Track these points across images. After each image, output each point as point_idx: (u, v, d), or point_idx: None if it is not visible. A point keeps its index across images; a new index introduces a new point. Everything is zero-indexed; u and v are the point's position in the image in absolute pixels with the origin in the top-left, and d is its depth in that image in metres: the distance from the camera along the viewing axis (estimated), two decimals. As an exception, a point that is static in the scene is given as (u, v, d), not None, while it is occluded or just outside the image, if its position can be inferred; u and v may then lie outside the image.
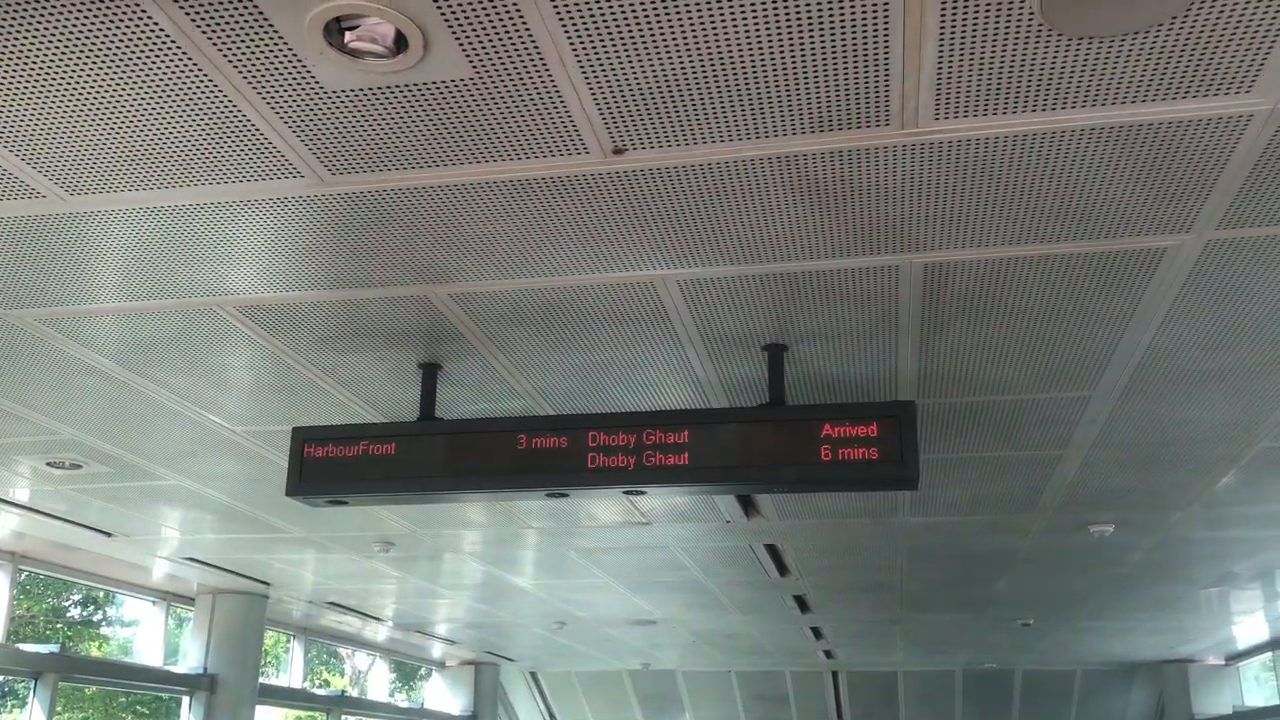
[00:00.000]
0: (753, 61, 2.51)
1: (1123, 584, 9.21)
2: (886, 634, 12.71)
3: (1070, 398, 4.73)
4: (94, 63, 2.54)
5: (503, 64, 2.53)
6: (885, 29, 2.39)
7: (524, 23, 2.38)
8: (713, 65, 2.53)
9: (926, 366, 4.38)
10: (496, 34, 2.42)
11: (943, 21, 2.37)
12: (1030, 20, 2.37)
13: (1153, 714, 16.35)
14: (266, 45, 2.47)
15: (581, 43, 2.45)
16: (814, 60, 2.50)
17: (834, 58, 2.49)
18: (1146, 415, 4.92)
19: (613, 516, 7.11)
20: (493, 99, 2.66)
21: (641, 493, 4.15)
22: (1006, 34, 2.41)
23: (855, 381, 4.52)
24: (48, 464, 5.89)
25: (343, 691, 14.01)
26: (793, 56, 2.49)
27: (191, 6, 2.34)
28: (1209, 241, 3.35)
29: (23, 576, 9.50)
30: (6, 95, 2.68)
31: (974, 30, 2.40)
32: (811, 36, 2.41)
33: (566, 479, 4.04)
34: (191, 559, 8.68)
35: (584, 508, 6.92)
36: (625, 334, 4.12)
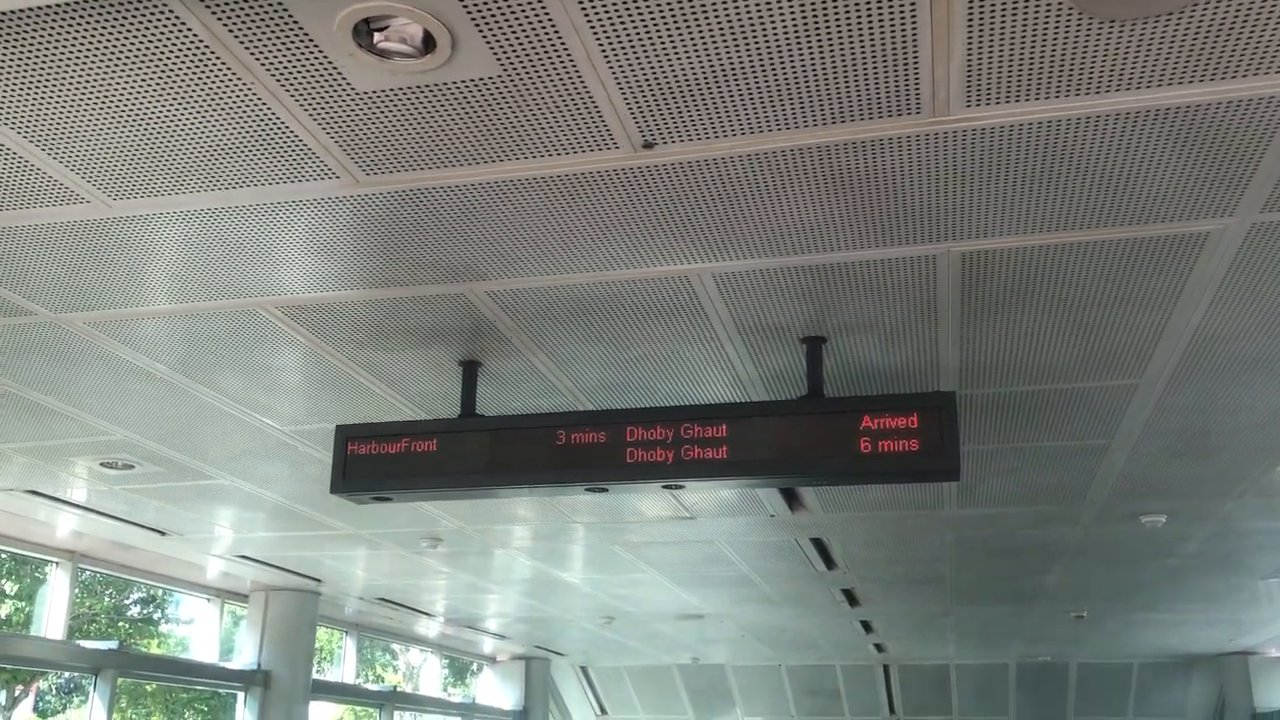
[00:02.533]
0: (780, 52, 2.50)
1: (1177, 575, 9.06)
2: (937, 627, 12.60)
3: (1116, 386, 4.66)
4: (131, 70, 2.59)
5: (530, 61, 2.54)
6: (913, 16, 2.37)
7: (550, 20, 2.39)
8: (740, 57, 2.52)
9: (968, 357, 4.34)
10: (523, 32, 2.43)
11: (971, 7, 2.35)
12: (1060, 5, 2.34)
13: (1213, 707, 16.06)
14: (298, 48, 2.51)
15: (607, 38, 2.45)
16: (842, 49, 2.49)
17: (862, 46, 2.47)
18: (1196, 402, 4.84)
19: (658, 511, 7.12)
20: (521, 96, 2.68)
21: (680, 487, 4.15)
22: (1036, 19, 2.38)
23: (895, 373, 4.49)
24: (101, 464, 6.02)
25: (395, 687, 14.16)
26: (820, 45, 2.47)
27: (224, 13, 2.38)
28: (1254, 225, 3.28)
29: (84, 576, 9.72)
30: (48, 103, 2.74)
31: (1003, 16, 2.37)
32: (839, 25, 2.40)
33: (605, 474, 4.06)
34: (244, 557, 8.83)
35: (629, 503, 6.94)
36: (662, 329, 4.13)
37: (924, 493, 6.61)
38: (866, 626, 12.52)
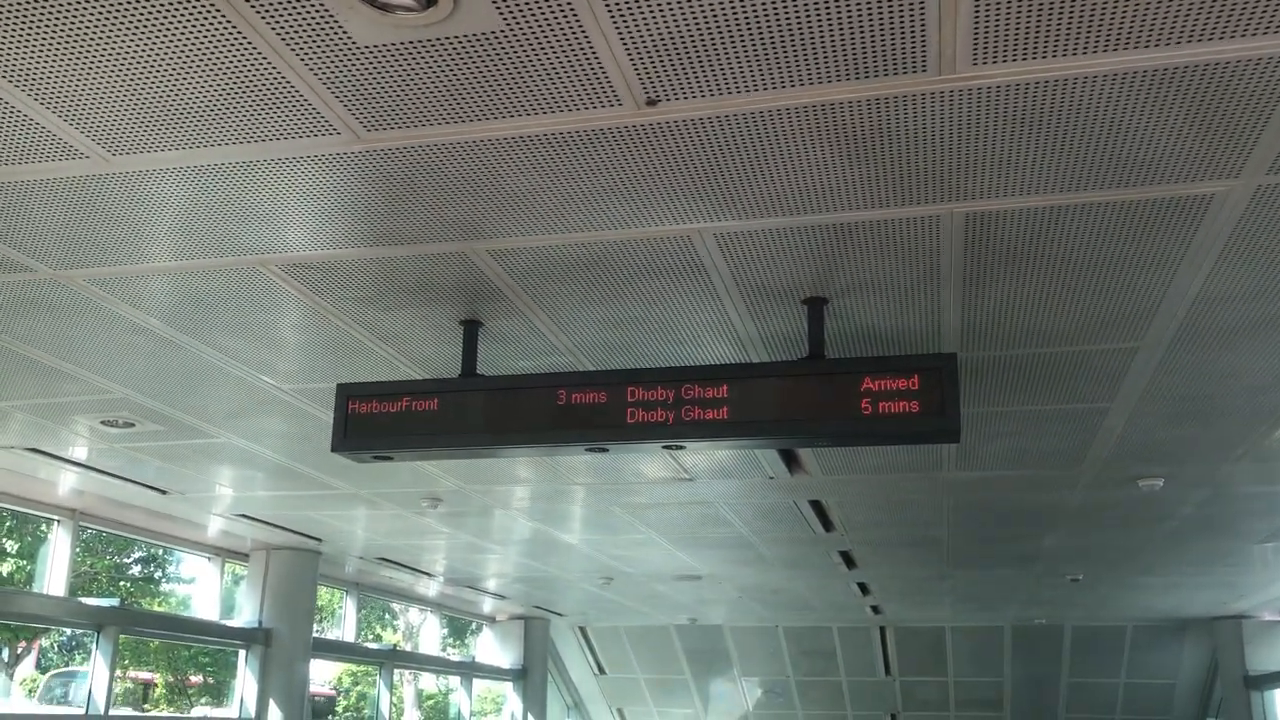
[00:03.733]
0: (785, 8, 2.47)
1: (1173, 539, 9.10)
2: (934, 589, 12.69)
3: (1117, 349, 4.66)
4: (130, 23, 2.56)
5: (533, 15, 2.51)
6: (920, -28, 2.34)
7: (553, -27, 2.36)
8: (745, 12, 2.49)
9: (969, 319, 4.33)
10: (526, -15, 2.40)
11: (979, -37, 2.32)
12: (1069, -41, 2.31)
13: (1205, 670, 16.21)
14: (299, 1, 2.48)
15: (611, -8, 2.42)
16: (848, 5, 2.46)
17: (869, 2, 2.45)
18: (1196, 366, 4.84)
19: (657, 473, 7.14)
20: (524, 51, 2.66)
21: (680, 447, 4.15)
22: (1045, -26, 2.36)
23: (897, 335, 4.49)
24: (102, 422, 6.02)
25: (394, 646, 14.27)
26: (826, 1, 2.45)
27: (223, -37, 2.35)
28: (1259, 187, 3.27)
29: (85, 534, 9.75)
30: (44, 56, 2.71)
31: (1011, -29, 2.35)
32: (845, -19, 2.38)
33: (606, 434, 4.07)
34: (244, 515, 8.86)
35: (629, 464, 6.96)
36: (663, 289, 4.12)
37: (922, 455, 6.62)
38: (863, 589, 12.60)
